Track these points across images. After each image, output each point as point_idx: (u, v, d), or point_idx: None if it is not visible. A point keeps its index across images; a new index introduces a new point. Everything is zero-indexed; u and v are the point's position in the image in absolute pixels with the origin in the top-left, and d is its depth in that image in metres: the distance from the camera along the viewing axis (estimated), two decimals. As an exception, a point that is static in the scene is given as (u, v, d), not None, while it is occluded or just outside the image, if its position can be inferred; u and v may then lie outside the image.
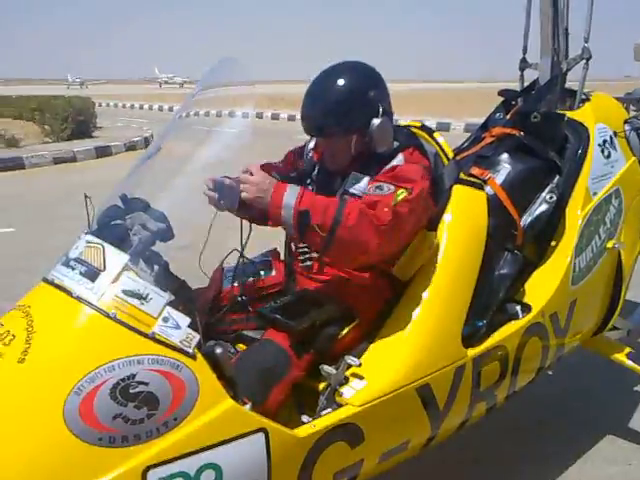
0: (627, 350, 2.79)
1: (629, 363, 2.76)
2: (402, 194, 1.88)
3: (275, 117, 22.01)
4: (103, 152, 13.26)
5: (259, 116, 21.30)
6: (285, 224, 1.83)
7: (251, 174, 1.80)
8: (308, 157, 2.25)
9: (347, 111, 1.98)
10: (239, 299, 2.10)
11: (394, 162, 2.01)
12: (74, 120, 15.20)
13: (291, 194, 1.79)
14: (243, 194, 1.79)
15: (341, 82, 2.00)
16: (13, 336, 1.52)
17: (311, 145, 2.26)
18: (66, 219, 7.09)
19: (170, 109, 30.71)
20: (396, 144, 2.06)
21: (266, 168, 2.22)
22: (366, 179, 2.02)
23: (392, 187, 1.89)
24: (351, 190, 2.03)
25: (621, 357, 2.77)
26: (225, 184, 1.90)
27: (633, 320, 3.14)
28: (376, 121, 1.99)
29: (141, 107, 33.72)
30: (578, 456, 2.72)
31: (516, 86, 3.03)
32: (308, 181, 2.18)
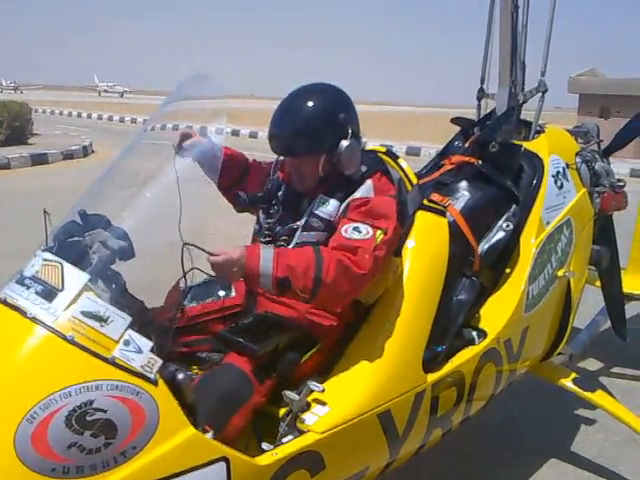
0: (573, 375, 2.86)
1: (575, 388, 2.82)
2: (380, 236, 1.90)
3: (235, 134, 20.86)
4: (39, 160, 12.76)
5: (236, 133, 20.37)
6: (264, 288, 1.84)
7: (216, 259, 1.73)
8: (274, 177, 2.22)
9: (316, 131, 1.98)
10: (196, 320, 2.04)
11: (362, 189, 2.01)
12: (9, 126, 14.62)
13: (266, 259, 1.76)
14: (219, 279, 1.82)
15: (311, 103, 2.00)
16: (-40, 358, 1.42)
17: (277, 165, 2.23)
18: (1, 228, 6.83)
19: (109, 118, 30.06)
20: (364, 168, 2.06)
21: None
22: (333, 202, 2.02)
23: (370, 230, 1.90)
24: (318, 212, 2.02)
25: (567, 382, 2.83)
26: None
27: (575, 345, 3.25)
28: (345, 143, 1.99)
29: (79, 115, 32.80)
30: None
31: (463, 113, 3.10)
32: (274, 202, 2.15)
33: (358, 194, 1.99)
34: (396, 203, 2.03)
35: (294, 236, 2.04)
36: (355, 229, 1.91)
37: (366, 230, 1.89)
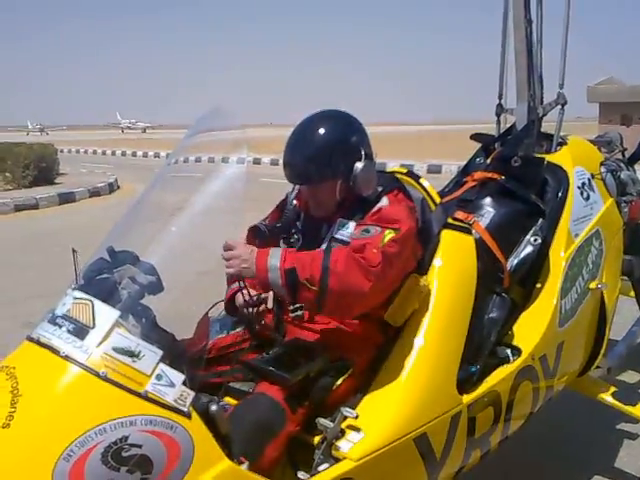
0: (612, 389, 2.80)
1: (615, 402, 2.76)
2: (389, 234, 1.88)
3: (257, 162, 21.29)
4: (66, 198, 13.05)
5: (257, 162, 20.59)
6: (274, 286, 1.83)
7: (231, 248, 1.84)
8: (291, 205, 2.23)
9: (329, 157, 1.98)
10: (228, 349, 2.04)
11: (379, 205, 2.01)
12: (36, 167, 14.99)
13: (274, 256, 1.82)
14: (228, 270, 1.84)
15: (322, 130, 2.01)
16: (-3, 399, 1.43)
17: (293, 194, 2.24)
18: (30, 267, 6.96)
19: (133, 154, 30.61)
20: (380, 188, 2.06)
21: (253, 229, 2.20)
22: (352, 224, 2.01)
23: (379, 229, 1.90)
24: (338, 236, 2.02)
25: (607, 397, 2.77)
26: None
27: (612, 358, 3.17)
28: (359, 165, 1.99)
29: (104, 153, 33.49)
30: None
31: (482, 128, 3.08)
32: (293, 230, 2.16)
33: (374, 209, 1.99)
34: (411, 211, 2.02)
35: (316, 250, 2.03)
36: (364, 230, 1.92)
37: (375, 230, 1.90)
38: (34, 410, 1.42)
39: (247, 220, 2.27)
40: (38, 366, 1.51)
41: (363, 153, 2.01)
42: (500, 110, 3.04)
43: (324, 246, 2.03)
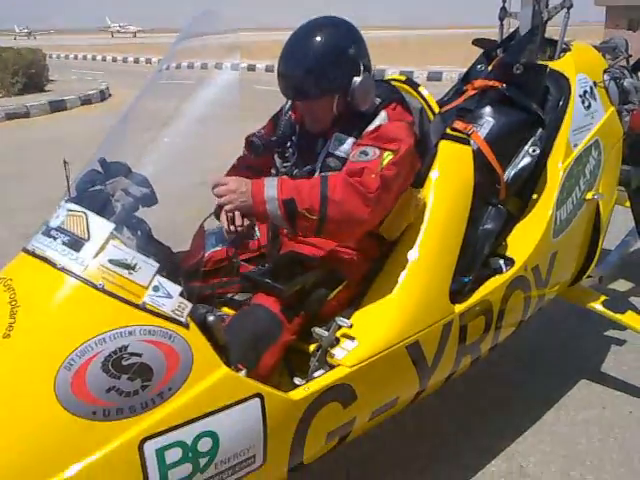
0: (603, 298, 2.85)
1: (605, 311, 2.82)
2: (388, 157, 1.85)
3: (251, 69, 20.60)
4: (58, 107, 12.75)
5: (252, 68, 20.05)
6: (273, 217, 1.78)
7: (223, 184, 1.75)
8: (286, 119, 2.15)
9: (327, 71, 1.90)
10: (235, 262, 2.05)
11: (377, 121, 1.96)
12: (25, 73, 14.55)
13: (270, 186, 1.75)
14: (226, 207, 1.74)
15: (319, 40, 1.92)
16: (-5, 310, 1.45)
17: (288, 105, 2.17)
18: (23, 177, 6.91)
19: (124, 60, 29.72)
20: (378, 101, 2.00)
21: (247, 145, 2.16)
22: (350, 140, 1.97)
23: (377, 151, 1.86)
24: (335, 152, 1.98)
25: (597, 305, 2.83)
26: None
27: (604, 267, 3.22)
28: (357, 79, 1.92)
29: (94, 58, 32.48)
30: (552, 403, 2.80)
31: (484, 33, 2.97)
32: (288, 144, 2.11)
33: (372, 126, 1.94)
34: (410, 128, 1.97)
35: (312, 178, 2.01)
36: (362, 152, 1.87)
37: (373, 152, 1.85)
38: (33, 321, 1.44)
39: (241, 130, 2.24)
40: (35, 278, 1.52)
41: (362, 66, 1.94)
42: (503, 14, 2.91)
43: (320, 162, 2.00)
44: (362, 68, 1.94)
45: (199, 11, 1.89)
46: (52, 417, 1.37)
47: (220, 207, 1.76)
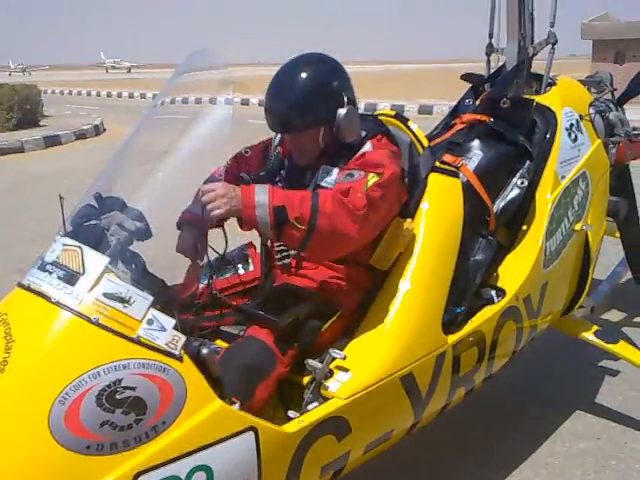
0: (595, 328, 2.86)
1: (597, 341, 2.83)
2: (373, 178, 1.88)
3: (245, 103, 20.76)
4: (52, 142, 12.84)
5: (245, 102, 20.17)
6: (260, 224, 1.76)
7: (211, 190, 1.73)
8: (275, 153, 2.20)
9: (312, 104, 1.96)
10: (217, 295, 2.07)
11: (362, 150, 2.00)
12: (20, 109, 14.66)
13: (261, 192, 1.76)
14: (215, 212, 1.72)
15: (304, 75, 1.98)
16: (-10, 345, 1.46)
17: (276, 141, 2.22)
18: (17, 212, 6.92)
19: (119, 95, 30.01)
20: (364, 133, 2.05)
21: (238, 161, 2.19)
22: (336, 170, 2.00)
23: (362, 173, 1.90)
24: (322, 183, 2.01)
25: (589, 335, 2.84)
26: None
27: (595, 297, 3.24)
28: (342, 111, 1.97)
29: (88, 94, 32.80)
30: (548, 435, 2.79)
31: (473, 67, 3.04)
32: (277, 179, 2.15)
33: (357, 155, 1.99)
34: (395, 156, 2.00)
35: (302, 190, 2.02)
36: (348, 175, 1.91)
37: (358, 174, 1.89)
38: (28, 355, 1.44)
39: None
40: (30, 312, 1.53)
41: (345, 99, 1.98)
42: (490, 50, 2.99)
43: None
44: (346, 100, 1.98)
45: (193, 48, 1.94)
46: (46, 451, 1.36)
47: (207, 213, 1.73)
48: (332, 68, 2.04)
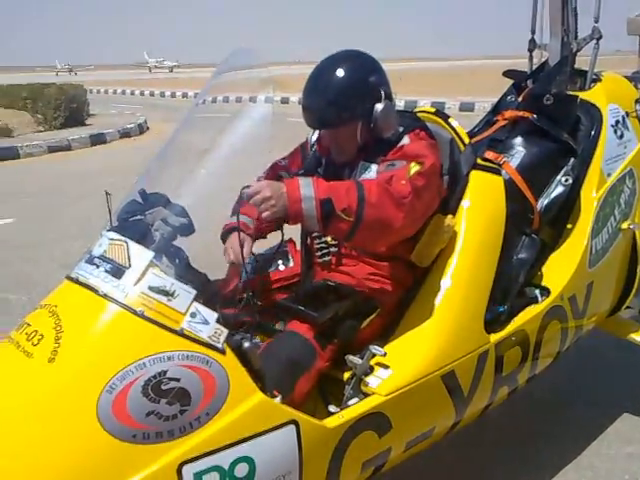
0: (642, 329, 2.80)
1: (645, 342, 2.77)
2: (415, 167, 1.87)
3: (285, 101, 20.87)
4: (97, 140, 13.17)
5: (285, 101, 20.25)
6: (307, 218, 1.74)
7: (257, 191, 1.70)
8: (312, 151, 2.22)
9: (349, 100, 1.96)
10: (258, 291, 2.09)
11: (401, 143, 2.00)
12: (67, 108, 15.06)
13: (306, 185, 1.74)
14: (264, 214, 1.71)
15: (340, 71, 1.98)
16: (42, 336, 1.51)
17: (314, 139, 2.23)
18: (65, 208, 7.12)
19: (161, 94, 30.51)
20: (401, 129, 2.04)
21: (274, 170, 2.21)
22: (375, 167, 2.00)
23: (404, 162, 1.89)
24: (361, 180, 2.01)
25: (637, 336, 2.78)
26: None
27: (644, 298, 3.16)
28: (379, 106, 1.97)
29: (132, 93, 33.44)
30: (594, 437, 2.73)
31: (517, 64, 2.99)
32: (315, 177, 2.15)
33: (396, 148, 1.98)
34: (434, 147, 1.99)
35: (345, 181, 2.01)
36: (389, 165, 1.91)
37: (400, 163, 1.89)
38: (76, 346, 1.49)
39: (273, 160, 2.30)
40: (78, 304, 1.57)
41: (382, 93, 1.98)
42: (533, 46, 2.94)
43: None
44: (383, 95, 1.98)
45: (234, 47, 1.97)
46: (94, 439, 1.40)
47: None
48: (368, 63, 2.04)
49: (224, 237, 2.06)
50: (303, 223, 1.80)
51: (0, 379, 1.51)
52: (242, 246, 1.95)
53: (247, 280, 2.13)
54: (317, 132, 2.19)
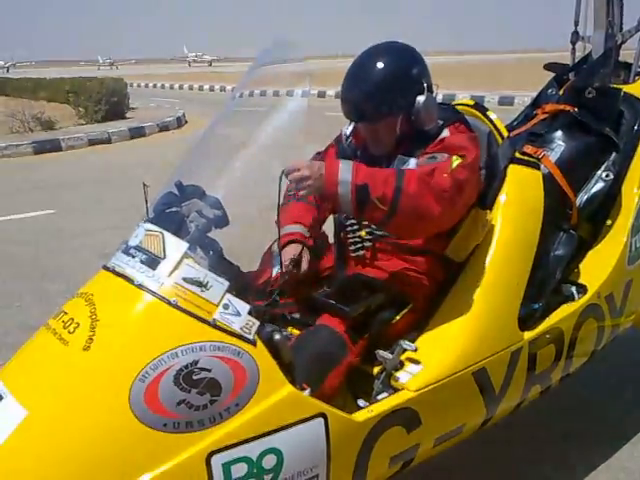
0: (682, 330, 2.72)
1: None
2: (457, 160, 1.84)
3: (321, 95, 20.54)
4: (137, 133, 13.37)
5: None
6: (342, 201, 1.74)
7: (297, 169, 1.71)
8: (347, 143, 2.19)
9: (390, 92, 1.93)
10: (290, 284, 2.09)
11: (441, 136, 1.97)
12: (107, 101, 15.32)
13: (345, 169, 1.73)
14: (301, 192, 1.74)
15: (381, 63, 1.95)
16: (77, 324, 1.54)
17: (349, 130, 2.20)
18: (105, 200, 7.25)
19: (200, 88, 30.81)
20: (440, 122, 2.01)
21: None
22: (413, 160, 1.97)
23: (445, 155, 1.86)
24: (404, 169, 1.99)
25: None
26: None
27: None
28: (421, 98, 1.94)
29: (171, 87, 33.86)
30: (627, 438, 2.68)
31: (557, 57, 2.94)
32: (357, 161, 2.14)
33: (436, 141, 1.96)
34: (475, 140, 1.96)
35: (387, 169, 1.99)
36: (431, 157, 1.88)
37: (441, 156, 1.86)
38: (111, 334, 1.51)
39: (310, 155, 2.30)
40: (114, 294, 1.60)
41: (424, 85, 1.95)
42: (575, 38, 2.88)
43: None
44: (425, 87, 1.95)
45: (271, 41, 1.97)
46: (126, 426, 1.43)
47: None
48: (409, 55, 2.01)
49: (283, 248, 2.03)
50: (339, 206, 1.79)
51: (37, 365, 1.55)
52: (302, 257, 1.98)
53: (280, 274, 2.15)
54: (352, 124, 2.17)
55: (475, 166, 1.89)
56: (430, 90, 1.98)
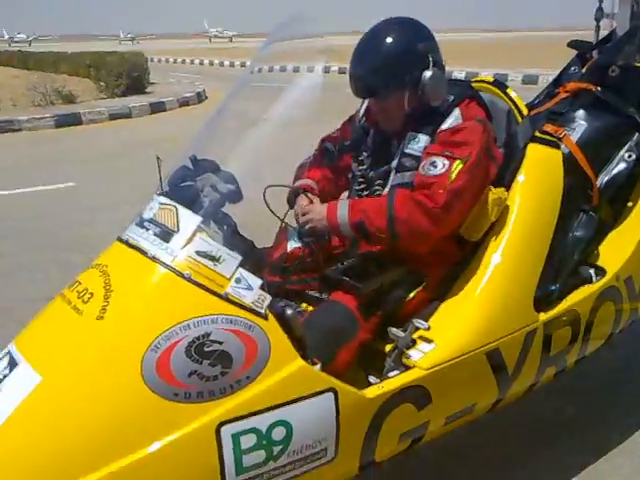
0: (702, 315, 2.67)
1: None
2: (458, 167, 1.85)
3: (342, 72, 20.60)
4: (157, 108, 13.37)
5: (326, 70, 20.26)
6: (351, 238, 1.96)
7: (307, 212, 1.96)
8: (361, 122, 2.19)
9: (396, 67, 1.92)
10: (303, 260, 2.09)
11: (451, 120, 1.95)
12: (128, 76, 15.33)
13: (342, 209, 1.90)
14: (311, 232, 1.96)
15: (388, 38, 1.94)
16: (91, 294, 1.56)
17: (362, 110, 2.20)
18: (124, 174, 7.29)
19: (220, 64, 30.71)
20: (451, 98, 1.99)
21: (323, 142, 2.23)
22: (423, 137, 1.97)
23: (446, 163, 1.86)
24: (409, 151, 1.99)
25: (696, 323, 2.66)
26: None
27: None
28: (428, 73, 1.92)
29: (192, 62, 33.79)
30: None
31: (584, 36, 2.88)
32: (362, 147, 2.13)
33: (445, 125, 1.94)
34: (483, 125, 1.94)
35: (388, 179, 2.02)
36: (432, 164, 1.88)
37: (442, 164, 1.86)
38: (125, 305, 1.53)
39: (327, 132, 2.28)
40: (128, 265, 1.61)
41: (431, 61, 1.93)
42: (600, 14, 2.81)
43: (395, 162, 2.00)
44: (432, 62, 1.93)
45: (289, 15, 1.94)
46: (137, 395, 1.45)
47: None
48: (416, 30, 1.99)
49: (290, 200, 2.13)
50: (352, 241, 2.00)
51: (51, 334, 1.58)
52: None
53: (295, 248, 2.15)
54: (366, 103, 2.16)
55: (478, 164, 1.89)
56: (439, 66, 1.96)
